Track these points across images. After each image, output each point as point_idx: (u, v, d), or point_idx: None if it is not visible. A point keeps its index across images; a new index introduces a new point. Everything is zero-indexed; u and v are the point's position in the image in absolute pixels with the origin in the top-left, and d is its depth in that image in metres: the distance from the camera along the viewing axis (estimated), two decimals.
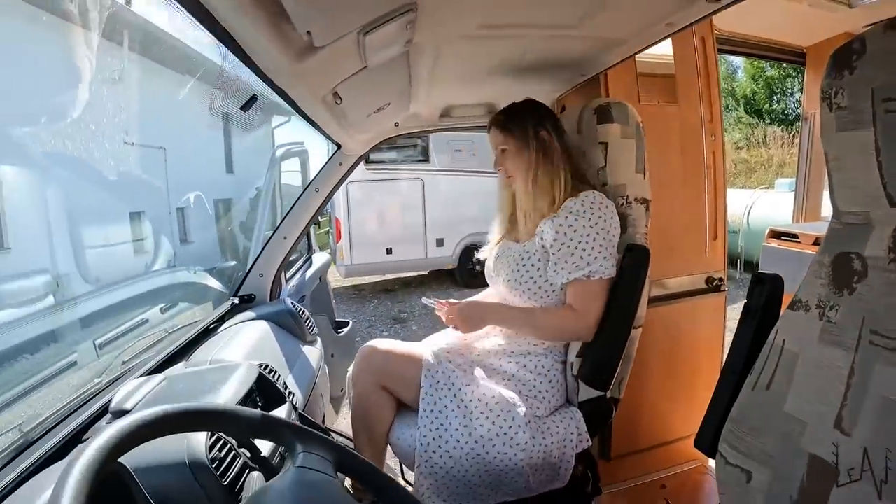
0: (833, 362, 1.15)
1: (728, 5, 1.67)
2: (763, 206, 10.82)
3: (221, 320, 2.85)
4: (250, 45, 1.38)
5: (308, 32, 1.37)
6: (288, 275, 4.05)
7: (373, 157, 10.33)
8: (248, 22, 1.22)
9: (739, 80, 24.94)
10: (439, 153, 10.81)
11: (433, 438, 2.11)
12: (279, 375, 2.08)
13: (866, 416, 1.07)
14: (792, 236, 4.24)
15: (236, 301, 3.12)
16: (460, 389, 2.16)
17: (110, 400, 1.63)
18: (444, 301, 2.41)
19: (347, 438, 2.88)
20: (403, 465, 2.44)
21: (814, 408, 1.18)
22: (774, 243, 4.36)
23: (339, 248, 10.56)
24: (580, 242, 2.12)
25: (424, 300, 2.55)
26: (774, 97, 23.85)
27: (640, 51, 2.17)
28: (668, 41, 2.83)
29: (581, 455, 2.26)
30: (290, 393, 2.08)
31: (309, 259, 4.76)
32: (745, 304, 1.54)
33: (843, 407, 1.12)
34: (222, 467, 1.32)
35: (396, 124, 3.08)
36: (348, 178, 9.69)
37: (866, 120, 1.07)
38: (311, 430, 1.20)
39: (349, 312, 9.84)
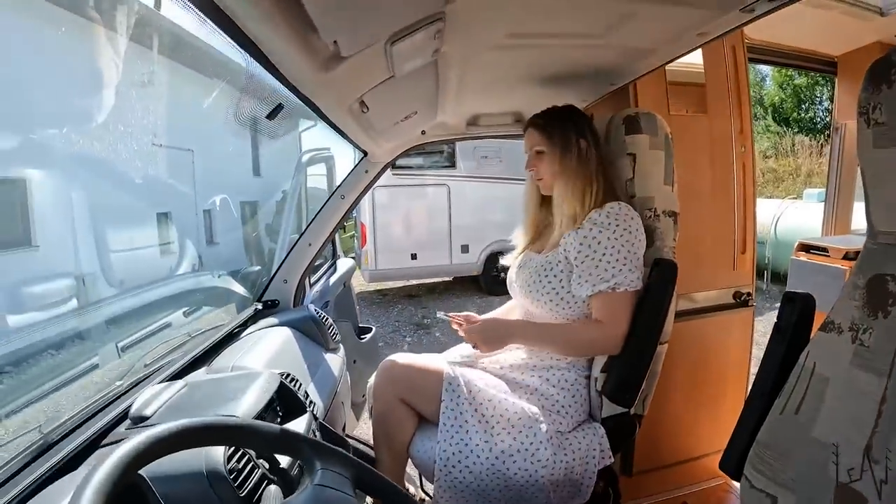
0: (865, 387, 1.12)
1: (761, 16, 1.63)
2: (791, 216, 10.71)
3: (244, 326, 2.84)
4: (276, 54, 1.37)
5: (335, 42, 1.36)
6: (312, 280, 4.04)
7: (399, 162, 10.30)
8: (273, 31, 1.22)
9: (767, 89, 24.74)
10: (465, 159, 10.78)
11: (453, 453, 2.08)
12: (300, 384, 2.05)
13: None
14: (822, 250, 4.16)
15: (260, 307, 3.12)
16: (481, 404, 2.13)
17: (130, 405, 1.63)
18: (461, 315, 2.40)
19: (368, 446, 2.87)
20: (423, 478, 2.41)
21: (843, 434, 1.15)
22: (803, 257, 4.29)
23: (364, 253, 10.56)
24: (605, 254, 2.08)
25: (440, 314, 2.53)
26: (803, 106, 23.62)
27: (671, 61, 2.14)
28: (699, 50, 2.81)
29: (603, 471, 2.22)
30: (311, 402, 2.05)
31: (333, 265, 4.76)
32: (776, 323, 1.51)
33: (874, 434, 1.08)
34: (240, 479, 1.30)
35: (423, 132, 3.06)
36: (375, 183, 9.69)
37: None
38: (329, 445, 1.19)
39: (373, 317, 9.86)
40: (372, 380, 2.40)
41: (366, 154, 3.09)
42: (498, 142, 10.14)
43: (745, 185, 3.04)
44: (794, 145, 20.99)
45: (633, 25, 1.76)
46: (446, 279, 12.30)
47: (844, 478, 1.11)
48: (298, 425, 1.71)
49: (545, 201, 2.44)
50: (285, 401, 1.83)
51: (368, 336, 4.55)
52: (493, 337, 2.25)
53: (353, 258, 9.23)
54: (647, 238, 2.20)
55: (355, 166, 3.19)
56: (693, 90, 2.94)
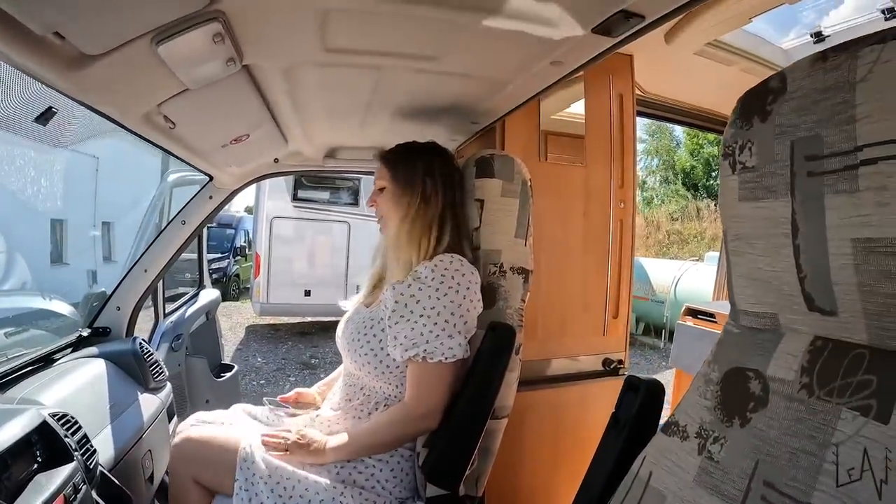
0: None
1: (621, 42, 1.44)
2: (692, 277, 10.91)
3: (63, 352, 2.60)
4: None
5: (57, 34, 1.12)
6: (167, 310, 3.84)
7: (301, 194, 10.29)
8: None
9: (680, 155, 25.77)
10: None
11: None
12: (78, 428, 1.82)
13: None
14: (709, 315, 4.09)
15: (85, 333, 2.83)
16: (278, 483, 1.85)
17: None
18: (292, 395, 2.32)
19: None
20: None
21: None
22: (690, 322, 4.21)
23: (256, 285, 10.29)
24: (421, 316, 1.84)
25: (266, 400, 2.34)
26: (712, 173, 24.77)
27: (534, 97, 1.96)
28: (581, 101, 2.65)
29: None
30: (89, 450, 1.81)
31: (196, 295, 4.48)
32: (613, 413, 1.27)
33: None
34: None
35: (276, 160, 2.87)
36: (273, 214, 9.47)
37: (781, 186, 0.75)
38: None
39: (260, 353, 9.62)
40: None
41: (211, 179, 2.88)
42: None
43: (621, 243, 2.85)
44: (699, 210, 21.79)
45: (477, 49, 1.57)
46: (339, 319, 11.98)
47: None
48: (57, 477, 1.56)
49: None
50: (49, 446, 1.65)
51: (228, 375, 4.37)
52: (306, 457, 1.96)
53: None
54: (489, 298, 1.99)
55: (199, 191, 2.98)
56: (573, 142, 2.78)
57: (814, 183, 0.72)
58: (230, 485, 1.86)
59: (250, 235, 13.60)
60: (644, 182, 26.05)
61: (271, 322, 12.02)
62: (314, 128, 2.43)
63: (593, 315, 2.82)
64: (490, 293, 2.00)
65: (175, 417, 2.85)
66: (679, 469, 0.92)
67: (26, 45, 1.12)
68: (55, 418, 1.73)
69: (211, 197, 2.95)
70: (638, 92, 2.98)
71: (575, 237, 2.74)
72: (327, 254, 10.60)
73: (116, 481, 1.89)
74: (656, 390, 1.23)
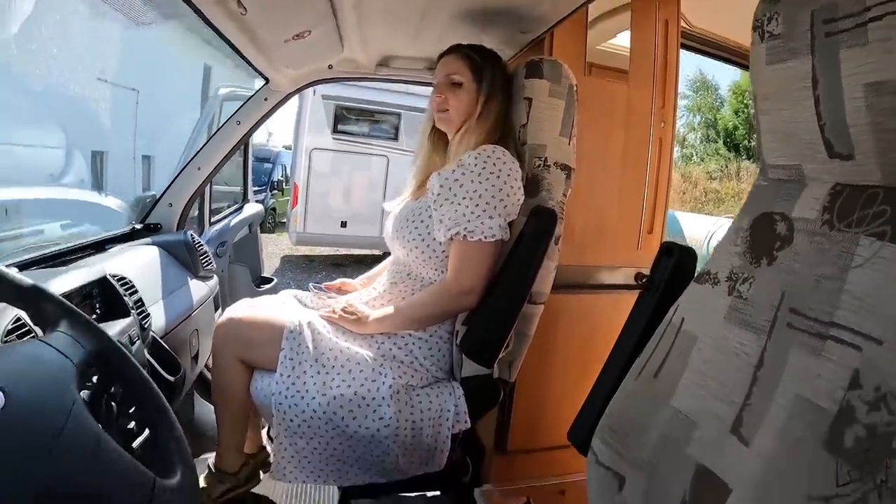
0: (739, 348, 0.93)
1: None
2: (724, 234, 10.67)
3: (114, 242, 2.69)
4: None
5: None
6: (213, 219, 3.98)
7: (342, 126, 10.22)
8: None
9: (723, 114, 25.18)
10: (409, 134, 10.42)
11: (287, 396, 1.90)
12: (135, 290, 1.95)
13: (772, 421, 0.83)
14: None
15: (139, 227, 2.96)
16: (322, 354, 1.96)
17: None
18: (336, 284, 2.42)
19: None
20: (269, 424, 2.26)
21: (708, 404, 0.95)
22: None
23: (294, 215, 10.30)
24: (464, 198, 1.93)
25: (312, 286, 2.44)
26: (754, 135, 23.98)
27: (583, 4, 1.99)
28: (626, 32, 2.70)
29: (465, 441, 2.09)
30: (143, 312, 1.94)
31: (241, 208, 4.59)
32: (648, 277, 1.34)
33: (745, 406, 0.89)
34: None
35: (330, 66, 2.93)
36: (312, 145, 9.46)
37: (803, 48, 0.85)
38: (80, 312, 1.09)
39: (294, 281, 9.63)
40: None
41: (267, 81, 2.95)
42: None
43: (660, 162, 2.88)
44: (739, 170, 21.32)
45: None
46: (375, 252, 11.93)
47: (705, 458, 0.93)
48: (114, 327, 1.64)
49: (439, 145, 2.29)
50: (108, 300, 1.76)
51: (267, 287, 4.49)
52: (350, 325, 2.08)
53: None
54: (532, 188, 2.06)
55: (255, 92, 3.07)
56: (617, 65, 2.82)
57: (830, 42, 0.80)
58: (272, 360, 1.96)
59: (288, 171, 13.59)
60: (684, 139, 25.57)
61: (306, 253, 12.11)
62: (370, 33, 2.49)
63: (628, 228, 2.87)
64: (534, 184, 2.07)
65: (220, 309, 2.97)
66: (710, 311, 1.01)
67: None
68: (114, 278, 1.83)
69: (266, 99, 3.02)
70: (683, 25, 2.99)
71: (614, 152, 2.79)
72: (365, 187, 10.54)
73: (167, 347, 2.00)
74: (691, 255, 1.30)
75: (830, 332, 0.79)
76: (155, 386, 1.15)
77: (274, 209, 15.38)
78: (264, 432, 2.43)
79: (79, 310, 1.10)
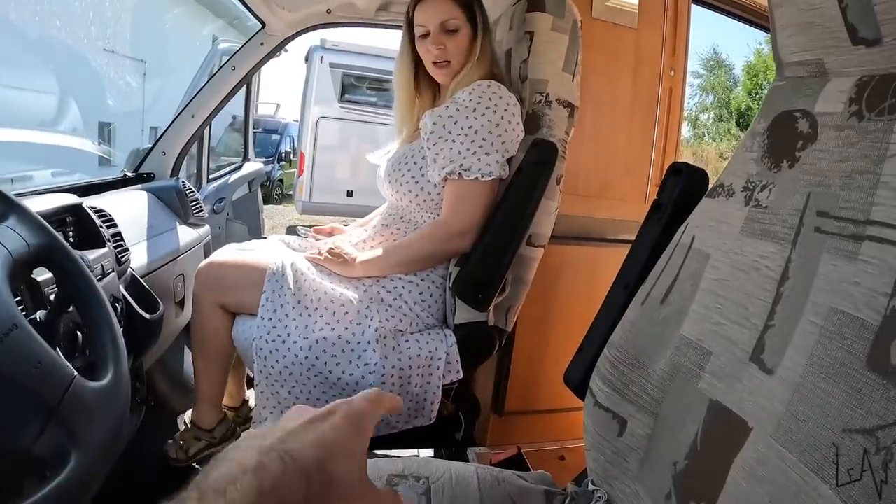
0: (759, 262, 0.80)
1: None
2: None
3: (102, 188, 2.60)
4: None
5: None
6: (212, 176, 3.92)
7: (349, 96, 10.18)
8: None
9: (736, 94, 25.14)
10: None
11: (268, 341, 1.83)
12: (114, 224, 1.89)
13: (801, 342, 0.70)
14: None
15: (131, 174, 2.89)
16: (305, 295, 1.88)
17: None
18: (326, 228, 2.37)
19: None
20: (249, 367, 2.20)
21: (723, 330, 0.83)
22: None
23: (300, 184, 10.28)
24: (459, 134, 1.85)
25: (300, 229, 2.42)
26: None
27: None
28: None
29: (457, 396, 2.02)
30: (122, 247, 1.87)
31: (240, 166, 4.53)
32: (654, 200, 1.25)
33: (766, 329, 0.76)
34: None
35: (329, 11, 2.84)
36: (319, 114, 9.40)
37: None
38: (31, 211, 1.06)
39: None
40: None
41: (264, 25, 2.88)
42: None
43: (669, 111, 2.78)
44: None
45: None
46: None
47: (720, 393, 0.80)
48: (87, 256, 1.55)
49: (426, 95, 2.19)
50: (83, 230, 1.71)
51: None
52: (337, 268, 2.01)
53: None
54: (532, 124, 1.97)
55: (251, 37, 2.98)
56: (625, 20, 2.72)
57: None
58: (254, 303, 1.89)
59: (295, 142, 13.59)
60: (696, 118, 25.53)
61: (312, 222, 12.03)
62: None
63: (636, 180, 2.77)
64: (534, 120, 1.98)
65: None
66: (724, 225, 0.90)
67: None
68: (92, 210, 1.77)
69: (262, 44, 2.95)
70: None
71: (622, 99, 2.67)
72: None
73: (146, 285, 1.93)
74: (701, 175, 1.20)
75: (867, 231, 0.67)
76: (97, 285, 1.10)
77: (281, 181, 15.39)
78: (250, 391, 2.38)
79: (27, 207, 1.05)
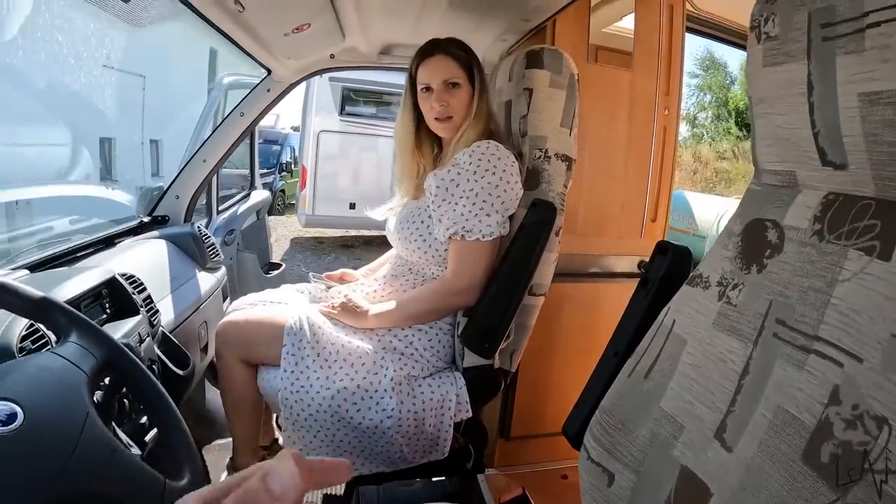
0: (725, 355, 0.93)
1: None
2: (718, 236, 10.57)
3: (122, 236, 2.71)
4: None
5: None
6: (221, 207, 3.96)
7: (349, 108, 10.24)
8: None
9: (735, 92, 24.95)
10: None
11: (293, 391, 1.94)
12: (144, 288, 1.98)
13: (755, 429, 0.84)
14: None
15: (146, 220, 2.97)
16: (324, 348, 1.98)
17: None
18: (336, 274, 2.47)
19: None
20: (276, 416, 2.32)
21: (694, 409, 0.96)
22: None
23: (302, 197, 10.31)
24: (461, 198, 1.95)
25: (312, 276, 2.51)
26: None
27: None
28: (631, 16, 2.70)
29: (467, 428, 2.11)
30: (152, 309, 1.97)
31: (248, 195, 4.61)
32: (642, 275, 1.35)
33: (728, 413, 0.89)
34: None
35: (332, 56, 2.95)
36: (319, 128, 9.43)
37: (799, 51, 0.83)
38: (88, 321, 1.13)
39: (304, 263, 9.72)
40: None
41: (270, 72, 2.98)
42: None
43: (664, 149, 2.88)
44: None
45: None
46: (384, 233, 11.94)
47: (690, 461, 0.94)
48: (123, 326, 1.69)
49: (422, 146, 2.28)
50: (118, 300, 1.80)
51: (276, 273, 4.54)
52: (350, 319, 2.10)
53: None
54: (532, 180, 2.07)
55: (258, 84, 3.08)
56: (621, 50, 2.81)
57: (827, 47, 0.78)
58: (275, 355, 2.00)
59: (296, 153, 13.60)
60: (695, 118, 25.36)
61: (316, 234, 12.11)
62: (371, 21, 2.49)
63: (632, 217, 2.87)
64: (534, 176, 2.07)
65: (228, 298, 3.00)
66: (700, 315, 1.01)
67: None
68: (123, 277, 1.86)
69: (269, 90, 3.04)
70: (689, 7, 2.97)
71: (618, 139, 2.78)
72: (373, 168, 10.54)
73: (176, 341, 2.03)
74: (685, 254, 1.30)
75: (814, 345, 0.79)
76: (162, 389, 1.18)
77: (283, 191, 15.38)
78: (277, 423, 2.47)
79: (87, 318, 1.13)
